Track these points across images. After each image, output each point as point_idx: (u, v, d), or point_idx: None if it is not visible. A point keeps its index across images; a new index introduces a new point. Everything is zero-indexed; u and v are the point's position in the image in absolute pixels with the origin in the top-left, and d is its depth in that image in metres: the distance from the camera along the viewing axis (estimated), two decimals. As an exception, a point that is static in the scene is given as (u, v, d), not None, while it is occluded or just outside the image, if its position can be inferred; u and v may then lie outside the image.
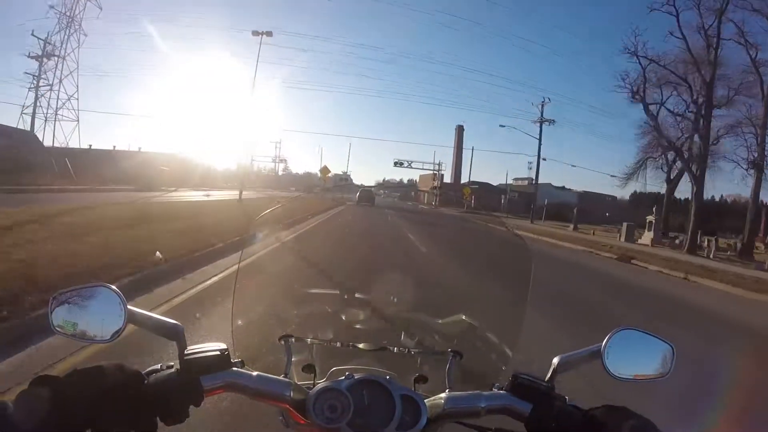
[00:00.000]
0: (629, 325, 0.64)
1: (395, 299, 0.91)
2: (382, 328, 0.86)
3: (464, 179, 58.15)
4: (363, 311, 0.86)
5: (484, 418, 0.64)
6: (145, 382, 0.55)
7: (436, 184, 55.74)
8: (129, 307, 0.58)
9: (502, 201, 45.68)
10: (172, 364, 0.59)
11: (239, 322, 0.81)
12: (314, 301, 0.88)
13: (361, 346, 0.77)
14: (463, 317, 0.88)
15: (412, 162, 57.15)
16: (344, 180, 53.75)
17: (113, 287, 0.59)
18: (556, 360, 0.64)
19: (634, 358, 0.64)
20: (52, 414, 0.48)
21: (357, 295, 0.89)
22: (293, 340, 0.77)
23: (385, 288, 0.94)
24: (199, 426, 2.14)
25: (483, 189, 54.20)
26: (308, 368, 0.73)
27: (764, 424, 3.06)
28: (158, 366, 0.59)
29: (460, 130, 59.99)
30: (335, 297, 0.88)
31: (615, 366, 0.62)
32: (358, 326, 0.84)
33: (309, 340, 0.79)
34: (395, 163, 55.15)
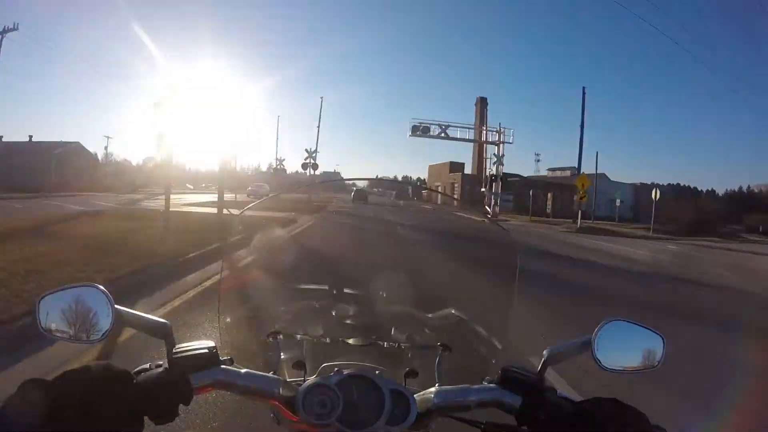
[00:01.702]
0: (620, 316, 0.64)
1: (384, 294, 0.91)
2: (372, 323, 0.85)
3: (507, 166, 32.79)
4: (352, 306, 0.86)
5: (474, 411, 0.65)
6: (134, 381, 0.55)
7: (493, 170, 31.69)
8: (117, 306, 0.58)
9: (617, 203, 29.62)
10: (161, 363, 0.59)
11: (227, 320, 0.81)
12: (302, 296, 0.88)
13: (350, 341, 0.77)
14: (453, 311, 0.88)
15: (447, 126, 33.46)
16: (310, 163, 28.45)
17: (100, 287, 0.58)
18: (546, 352, 0.64)
19: (625, 350, 0.64)
20: (39, 417, 0.48)
21: (346, 290, 0.89)
22: (282, 336, 0.77)
23: (374, 283, 0.94)
24: (189, 425, 2.15)
25: (524, 183, 36.81)
26: (298, 365, 0.73)
27: None
28: (147, 365, 0.59)
29: (481, 103, 39.54)
30: (324, 292, 0.88)
31: (605, 357, 0.62)
32: (347, 321, 0.84)
33: (298, 336, 0.79)
34: (414, 129, 33.43)
